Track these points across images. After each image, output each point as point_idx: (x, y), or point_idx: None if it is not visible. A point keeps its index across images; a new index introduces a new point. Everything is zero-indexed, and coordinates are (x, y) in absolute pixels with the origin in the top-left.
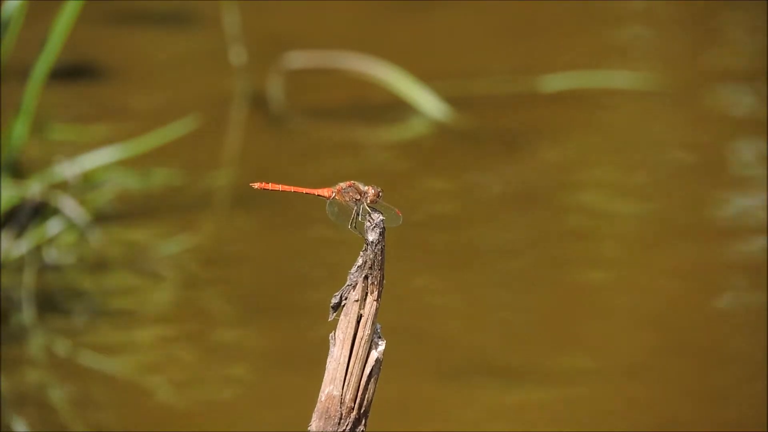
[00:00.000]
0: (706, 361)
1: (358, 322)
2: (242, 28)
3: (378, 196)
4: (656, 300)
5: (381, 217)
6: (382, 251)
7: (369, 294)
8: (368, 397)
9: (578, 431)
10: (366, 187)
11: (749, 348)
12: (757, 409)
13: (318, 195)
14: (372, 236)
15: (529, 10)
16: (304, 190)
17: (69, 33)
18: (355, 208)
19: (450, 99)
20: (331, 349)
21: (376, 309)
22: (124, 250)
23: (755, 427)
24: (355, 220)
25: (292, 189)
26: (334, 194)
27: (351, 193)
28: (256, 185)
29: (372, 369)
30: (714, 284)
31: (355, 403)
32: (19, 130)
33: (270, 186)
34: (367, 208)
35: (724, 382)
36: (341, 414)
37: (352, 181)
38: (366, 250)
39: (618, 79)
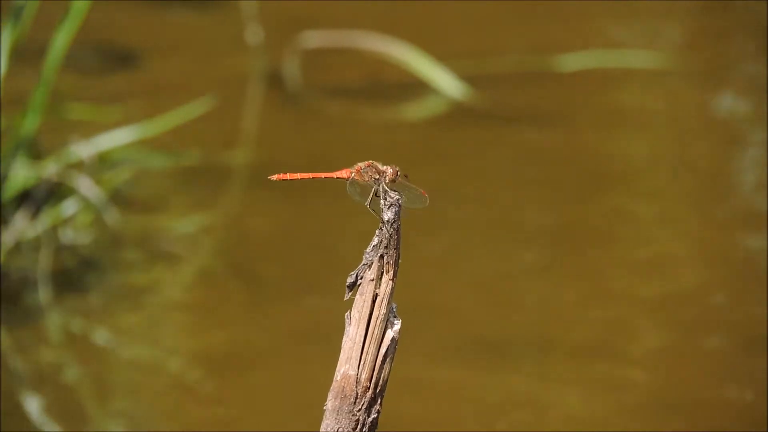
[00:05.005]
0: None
1: (374, 301)
2: (259, 7)
3: (396, 175)
4: (681, 281)
5: (398, 197)
6: (397, 230)
7: (384, 273)
8: (384, 377)
9: (588, 429)
10: (384, 167)
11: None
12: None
13: (337, 177)
14: (388, 215)
15: None
16: (323, 175)
17: (86, 14)
18: (375, 187)
19: (467, 78)
20: (347, 328)
21: (392, 288)
22: (141, 229)
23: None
24: (372, 200)
25: (311, 176)
26: (353, 174)
27: (370, 173)
28: (274, 177)
29: (387, 348)
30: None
31: (370, 383)
32: (36, 110)
33: (288, 176)
34: (386, 188)
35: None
36: (357, 393)
37: (371, 161)
38: (381, 229)
39: (636, 58)
